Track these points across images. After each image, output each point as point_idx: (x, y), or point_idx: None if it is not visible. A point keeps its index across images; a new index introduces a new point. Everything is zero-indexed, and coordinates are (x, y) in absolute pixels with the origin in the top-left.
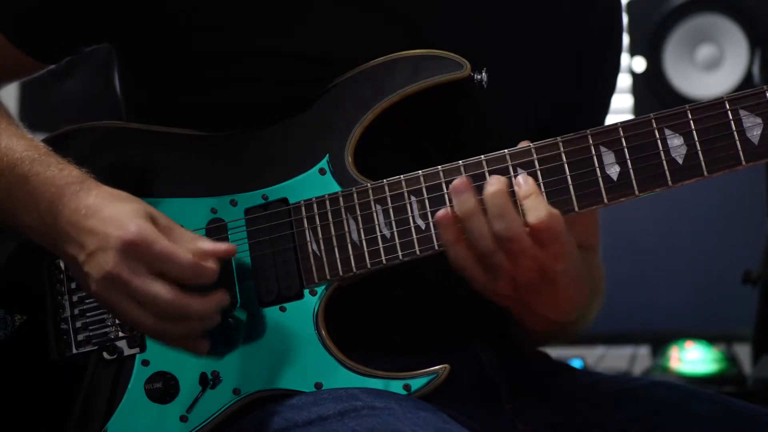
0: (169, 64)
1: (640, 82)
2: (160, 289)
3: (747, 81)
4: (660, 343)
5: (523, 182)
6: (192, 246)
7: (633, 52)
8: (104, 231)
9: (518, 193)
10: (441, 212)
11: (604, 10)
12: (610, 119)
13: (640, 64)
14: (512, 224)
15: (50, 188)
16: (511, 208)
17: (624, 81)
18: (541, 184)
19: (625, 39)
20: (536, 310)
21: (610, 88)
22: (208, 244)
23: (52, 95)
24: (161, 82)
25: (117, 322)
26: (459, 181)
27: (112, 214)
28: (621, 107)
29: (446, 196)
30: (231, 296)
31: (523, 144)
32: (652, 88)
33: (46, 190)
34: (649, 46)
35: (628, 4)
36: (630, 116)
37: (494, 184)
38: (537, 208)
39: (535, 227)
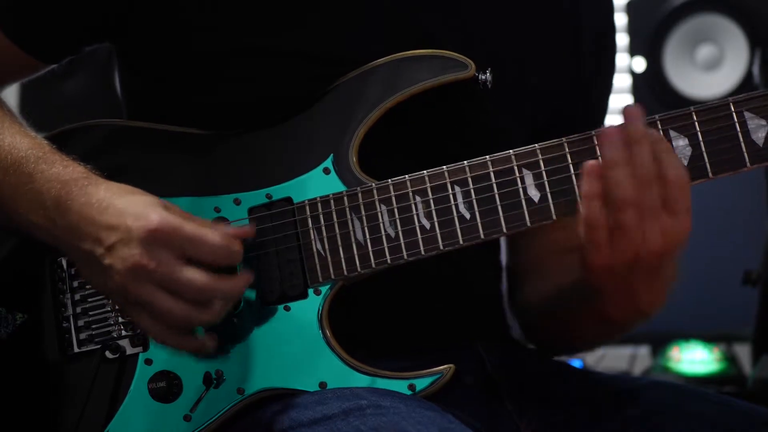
0: (170, 64)
1: (640, 82)
2: (192, 272)
3: (747, 81)
4: (660, 343)
5: (660, 138)
6: (218, 228)
7: (633, 52)
8: (124, 223)
9: (657, 149)
10: (591, 162)
11: (598, 7)
12: (611, 120)
13: (640, 64)
14: (655, 170)
15: (56, 185)
16: (656, 158)
17: (624, 81)
18: (546, 185)
19: (625, 39)
20: (637, 296)
21: (608, 88)
22: (229, 227)
23: (52, 95)
24: (163, 82)
25: (120, 320)
26: (610, 129)
27: (126, 206)
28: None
29: (452, 196)
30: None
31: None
32: (652, 88)
33: (52, 187)
34: (649, 46)
35: (628, 4)
36: None
37: (642, 135)
38: (676, 163)
39: (672, 182)
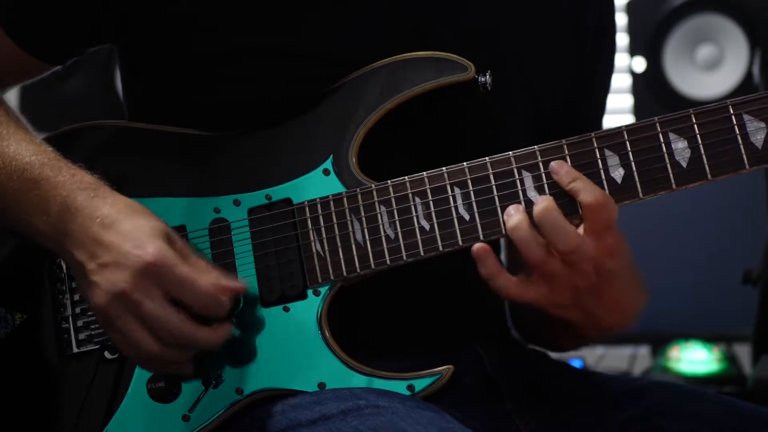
0: (171, 64)
1: (640, 82)
2: (173, 316)
3: (747, 81)
4: (660, 343)
5: (559, 167)
6: (211, 277)
7: (633, 52)
8: (121, 247)
9: (561, 181)
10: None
11: (600, 6)
12: (611, 120)
13: (640, 64)
14: (569, 237)
15: (62, 192)
16: (564, 220)
17: (624, 81)
18: (546, 186)
19: (625, 39)
20: (596, 315)
21: (606, 88)
22: (225, 279)
23: (52, 95)
24: (164, 82)
25: None
26: (514, 207)
27: (130, 230)
28: (621, 107)
29: (451, 198)
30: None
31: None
32: (652, 88)
33: (58, 194)
34: (649, 46)
35: (628, 4)
36: (630, 116)
37: (542, 201)
38: (589, 188)
39: (591, 207)
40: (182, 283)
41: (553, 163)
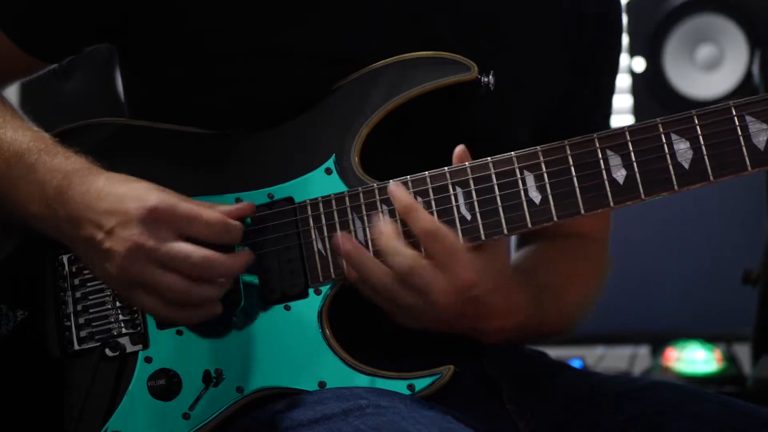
0: (171, 64)
1: (640, 82)
2: (190, 248)
3: (747, 81)
4: (660, 343)
5: (395, 189)
6: (215, 208)
7: (633, 52)
8: (122, 207)
9: (396, 207)
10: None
11: (603, 7)
12: (615, 120)
13: (640, 64)
14: (406, 258)
15: (57, 175)
16: (399, 242)
17: (624, 81)
18: (548, 186)
19: (625, 39)
20: (487, 327)
21: (611, 88)
22: (226, 206)
23: (52, 95)
24: (164, 82)
25: (120, 318)
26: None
27: (126, 192)
28: (621, 107)
29: (453, 197)
30: (235, 294)
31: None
32: (652, 88)
33: (54, 177)
34: (649, 46)
35: (628, 4)
36: (630, 116)
37: (376, 225)
38: (421, 217)
39: (422, 237)
40: (189, 217)
41: (391, 185)
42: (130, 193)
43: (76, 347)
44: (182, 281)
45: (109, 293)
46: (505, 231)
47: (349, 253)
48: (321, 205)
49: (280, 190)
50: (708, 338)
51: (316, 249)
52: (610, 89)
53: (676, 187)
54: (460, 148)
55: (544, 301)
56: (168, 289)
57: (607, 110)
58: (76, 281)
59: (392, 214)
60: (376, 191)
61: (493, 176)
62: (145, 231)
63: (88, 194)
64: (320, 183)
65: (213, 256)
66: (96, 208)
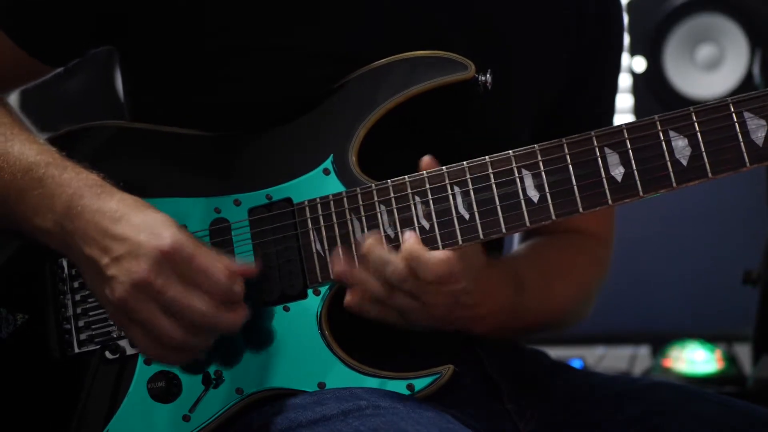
0: (171, 64)
1: (640, 82)
2: (198, 300)
3: (747, 81)
4: (660, 343)
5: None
6: (223, 264)
7: (633, 52)
8: (136, 237)
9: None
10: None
11: (604, 6)
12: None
13: (640, 64)
14: (397, 266)
15: (67, 190)
16: (388, 255)
17: (624, 81)
18: (546, 185)
19: (625, 39)
20: (479, 325)
21: (613, 87)
22: (235, 264)
23: (52, 95)
24: (164, 83)
25: None
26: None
27: (142, 221)
28: (621, 107)
29: (451, 197)
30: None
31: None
32: (652, 88)
33: (63, 192)
34: (649, 46)
35: (628, 4)
36: (630, 116)
37: (366, 238)
38: (423, 262)
39: (432, 279)
40: (201, 271)
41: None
42: (146, 224)
43: (76, 350)
44: (180, 330)
45: None
46: (504, 230)
47: (344, 275)
48: (319, 206)
49: (279, 191)
50: (708, 338)
51: (314, 250)
52: (612, 89)
53: (674, 184)
54: (426, 158)
55: (531, 288)
56: (166, 334)
57: (609, 110)
58: (76, 284)
59: (390, 214)
60: (374, 192)
61: (491, 175)
62: (154, 269)
63: (100, 213)
64: (318, 183)
65: (216, 314)
66: (107, 230)
